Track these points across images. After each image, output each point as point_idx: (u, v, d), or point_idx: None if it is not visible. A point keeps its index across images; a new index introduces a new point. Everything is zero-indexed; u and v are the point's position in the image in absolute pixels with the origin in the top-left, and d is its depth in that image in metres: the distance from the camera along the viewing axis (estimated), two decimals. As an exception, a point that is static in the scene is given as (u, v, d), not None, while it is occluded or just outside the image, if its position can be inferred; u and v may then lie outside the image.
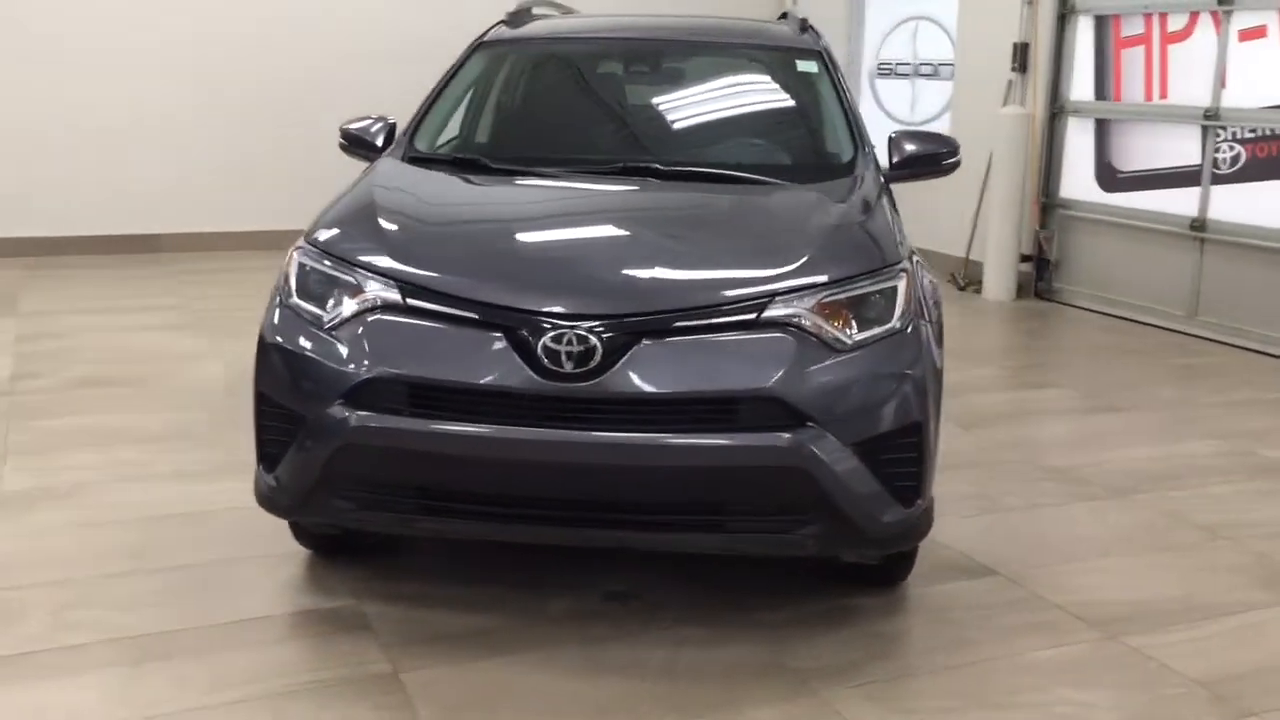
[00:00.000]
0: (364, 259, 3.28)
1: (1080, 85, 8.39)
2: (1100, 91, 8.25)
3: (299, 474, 3.18)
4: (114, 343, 6.59)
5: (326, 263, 3.31)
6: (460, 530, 3.29)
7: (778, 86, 4.63)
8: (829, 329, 3.13)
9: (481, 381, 3.02)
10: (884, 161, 4.23)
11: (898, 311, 3.24)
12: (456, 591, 3.68)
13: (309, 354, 3.16)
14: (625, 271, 3.27)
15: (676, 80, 4.65)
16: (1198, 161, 7.51)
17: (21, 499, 4.32)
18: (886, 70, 10.63)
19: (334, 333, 3.17)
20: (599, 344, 2.99)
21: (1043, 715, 3.10)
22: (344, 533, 3.60)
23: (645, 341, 3.02)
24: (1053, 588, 3.82)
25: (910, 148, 4.19)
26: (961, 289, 8.89)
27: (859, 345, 3.16)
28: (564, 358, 2.98)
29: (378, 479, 3.16)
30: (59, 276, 8.38)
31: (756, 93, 4.70)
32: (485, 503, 3.14)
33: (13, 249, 9.00)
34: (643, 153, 4.18)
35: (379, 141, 4.26)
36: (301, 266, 3.35)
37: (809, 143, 4.34)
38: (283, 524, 3.68)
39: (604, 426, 3.00)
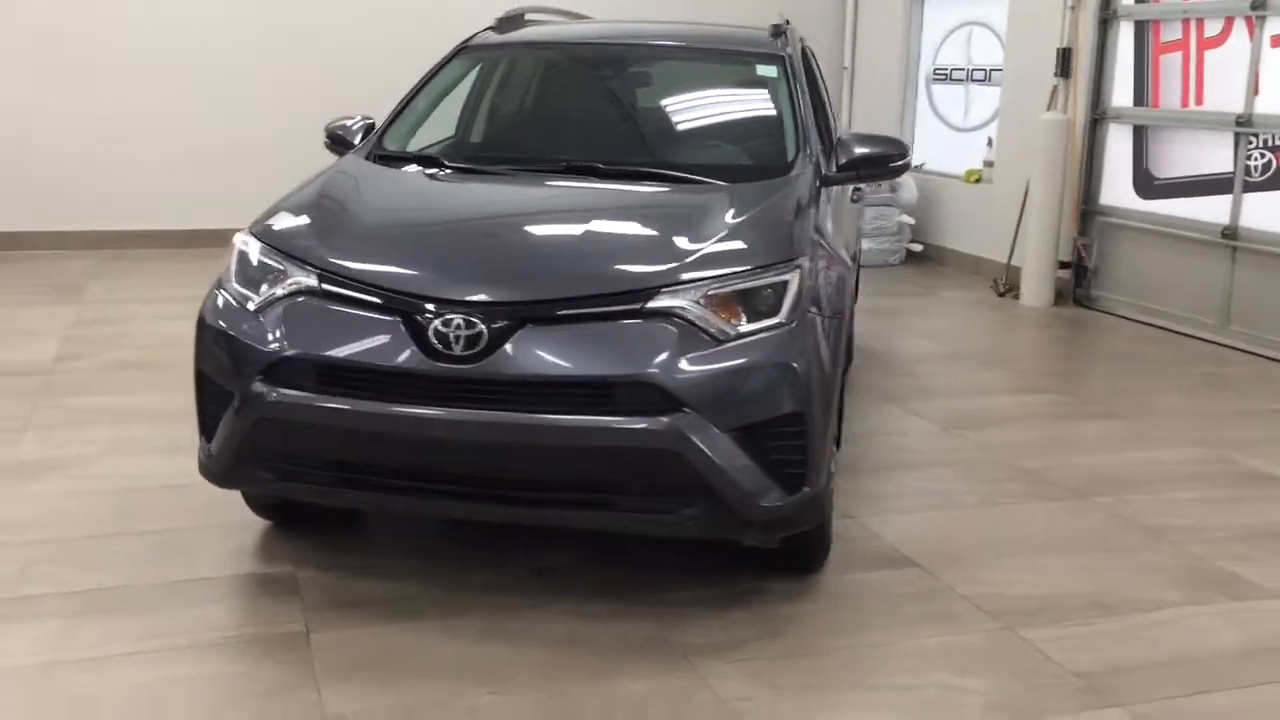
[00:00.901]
0: (292, 247, 3.55)
1: (1121, 91, 8.32)
2: (1139, 97, 8.17)
3: (226, 445, 3.46)
4: (158, 330, 6.99)
5: (261, 250, 3.58)
6: (372, 502, 3.53)
7: (734, 90, 4.79)
8: (713, 320, 3.28)
9: (380, 363, 3.25)
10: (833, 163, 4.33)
11: (787, 306, 3.38)
12: (390, 562, 3.91)
13: (236, 334, 3.43)
14: (518, 262, 3.48)
15: (641, 84, 4.84)
16: (1230, 169, 7.41)
17: (29, 468, 4.69)
18: (942, 76, 10.64)
19: (259, 315, 3.43)
20: (484, 329, 3.20)
21: (910, 697, 3.20)
22: (288, 504, 3.86)
23: (530, 327, 3.21)
24: (969, 581, 3.90)
25: (857, 150, 4.30)
26: (1001, 295, 8.86)
27: (742, 336, 3.30)
28: (452, 341, 3.20)
29: (293, 452, 3.41)
30: (129, 268, 8.89)
31: (713, 96, 4.86)
32: (391, 477, 3.36)
33: (94, 241, 9.58)
34: (593, 152, 4.37)
35: (356, 140, 4.52)
36: (241, 254, 3.62)
37: (752, 144, 4.49)
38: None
39: (490, 406, 3.20)
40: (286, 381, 3.34)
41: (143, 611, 3.54)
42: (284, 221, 3.72)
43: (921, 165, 10.70)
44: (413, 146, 4.50)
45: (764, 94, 4.61)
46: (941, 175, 10.46)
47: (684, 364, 3.22)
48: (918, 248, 10.42)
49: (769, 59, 4.70)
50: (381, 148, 4.42)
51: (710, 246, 3.49)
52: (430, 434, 3.23)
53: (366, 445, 3.32)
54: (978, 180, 9.88)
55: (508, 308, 3.24)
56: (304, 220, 3.70)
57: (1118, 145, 8.38)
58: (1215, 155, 7.54)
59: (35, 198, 9.43)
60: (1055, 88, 8.73)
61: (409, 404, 3.23)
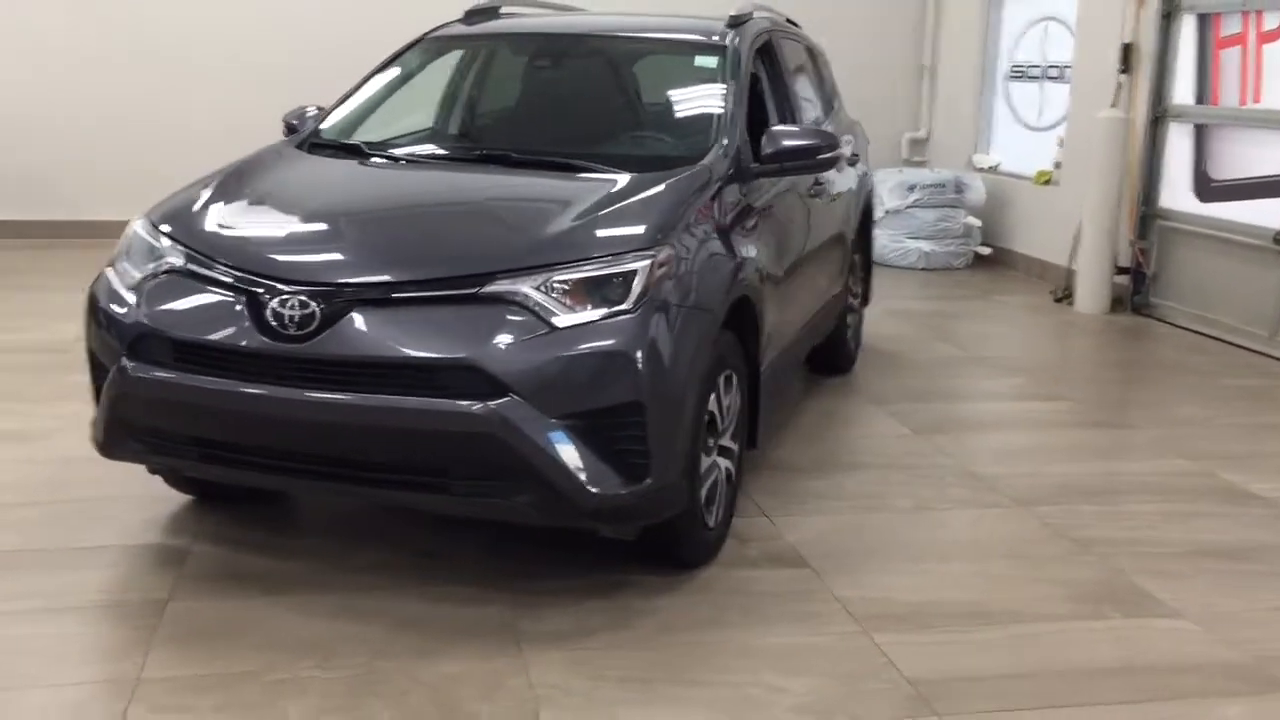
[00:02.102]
0: (171, 228, 3.67)
1: (1182, 88, 7.93)
2: (1200, 95, 7.78)
3: (101, 417, 3.61)
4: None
5: (146, 231, 3.72)
6: (230, 477, 3.63)
7: (671, 81, 4.74)
8: (553, 306, 3.28)
9: (224, 341, 3.34)
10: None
11: (633, 295, 3.34)
12: (288, 540, 4.03)
13: (109, 311, 3.58)
14: (363, 246, 3.53)
15: (582, 76, 4.86)
16: (1282, 170, 7.00)
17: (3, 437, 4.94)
18: (1019, 73, 10.31)
19: (132, 293, 3.56)
20: (317, 309, 3.26)
21: (728, 694, 3.15)
22: (204, 481, 3.97)
23: (363, 309, 3.26)
24: (853, 585, 3.80)
25: (783, 143, 4.23)
26: (1058, 301, 8.54)
27: (581, 324, 3.28)
28: (287, 321, 3.27)
29: (155, 426, 3.53)
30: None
31: (649, 87, 4.82)
32: (239, 453, 3.45)
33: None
34: (515, 142, 4.41)
35: (306, 129, 4.64)
36: (130, 234, 3.77)
37: (672, 135, 4.44)
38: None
39: (320, 386, 3.26)
40: (147, 357, 3.47)
41: (24, 572, 3.72)
42: (174, 204, 3.85)
43: (996, 166, 10.39)
44: (361, 136, 4.55)
45: (698, 86, 4.56)
46: (1014, 176, 10.13)
47: (512, 349, 3.22)
48: (986, 251, 10.12)
49: (709, 50, 4.65)
50: (318, 136, 4.51)
51: (566, 235, 3.48)
52: (268, 412, 3.31)
53: (215, 422, 3.41)
54: (1047, 182, 9.55)
55: (341, 289, 3.29)
56: (192, 203, 3.83)
57: (1178, 145, 7.99)
58: (1272, 156, 7.12)
59: (73, 187, 9.79)
60: (1119, 85, 8.38)
61: (249, 382, 3.32)
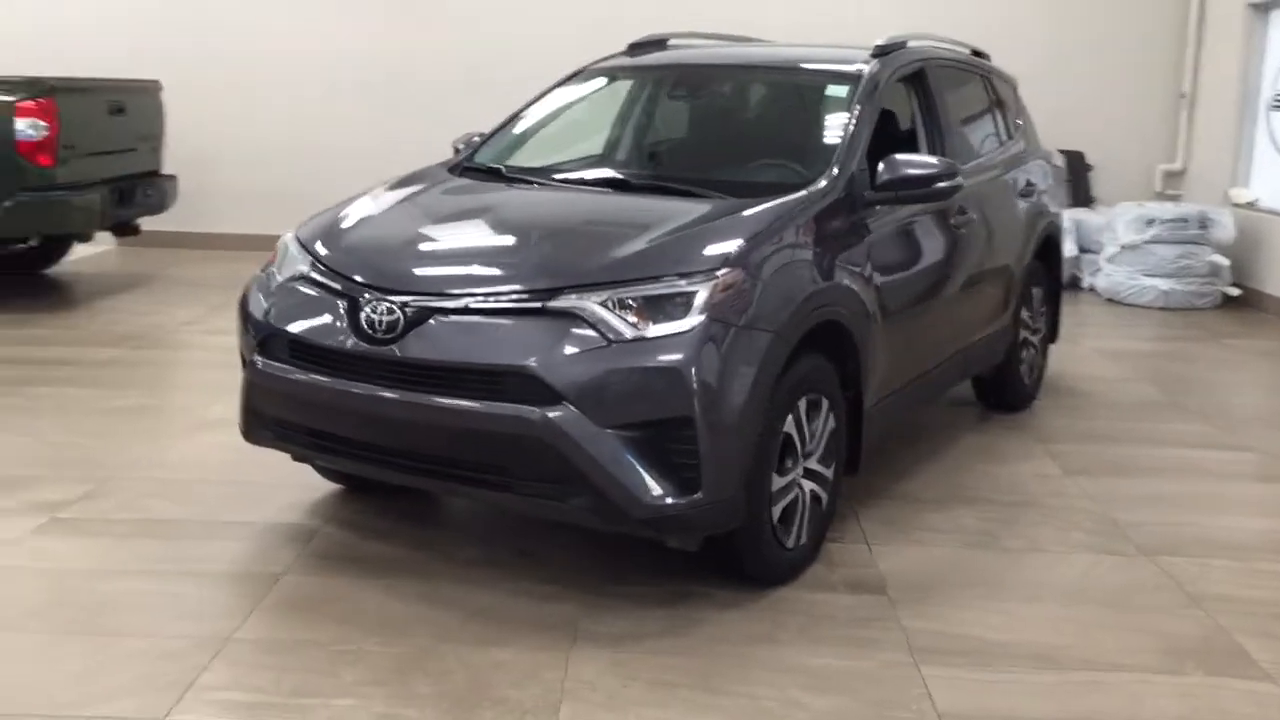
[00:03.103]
0: (308, 240, 4.10)
1: None
2: None
3: (241, 406, 4.07)
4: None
5: (293, 242, 4.16)
6: (339, 465, 4.00)
7: (799, 109, 4.83)
8: (612, 321, 3.47)
9: (326, 341, 3.72)
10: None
11: (692, 314, 3.49)
12: (409, 529, 4.37)
13: (250, 312, 4.03)
14: (450, 259, 3.82)
15: (719, 104, 5.01)
16: None
17: (213, 424, 5.52)
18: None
19: (268, 297, 4.01)
20: (401, 315, 3.58)
21: (748, 705, 3.23)
22: (333, 470, 4.38)
23: (439, 318, 3.56)
24: (925, 617, 3.78)
25: (900, 172, 4.26)
26: (1300, 346, 7.97)
27: (639, 340, 3.46)
28: (376, 325, 3.61)
29: (277, 415, 3.95)
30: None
31: (778, 115, 4.92)
32: (341, 442, 3.82)
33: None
34: (640, 167, 4.63)
35: (464, 153, 5.04)
36: (282, 245, 4.22)
37: (789, 161, 4.52)
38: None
39: (400, 386, 3.58)
40: (271, 353, 3.89)
41: (174, 540, 4.22)
42: (316, 218, 4.28)
43: (1255, 202, 9.76)
44: (508, 160, 4.89)
45: (825, 114, 4.63)
46: (1272, 213, 9.48)
47: (569, 360, 3.43)
48: (1235, 292, 9.52)
49: (841, 79, 4.71)
50: (471, 160, 4.88)
51: (638, 255, 3.66)
52: (358, 407, 3.66)
53: (320, 413, 3.79)
54: (1301, 219, 8.90)
55: (423, 297, 3.60)
56: (330, 217, 4.25)
57: None
58: None
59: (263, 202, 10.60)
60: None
61: (345, 379, 3.67)
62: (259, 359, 3.92)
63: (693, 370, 3.44)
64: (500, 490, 3.63)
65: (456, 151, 5.15)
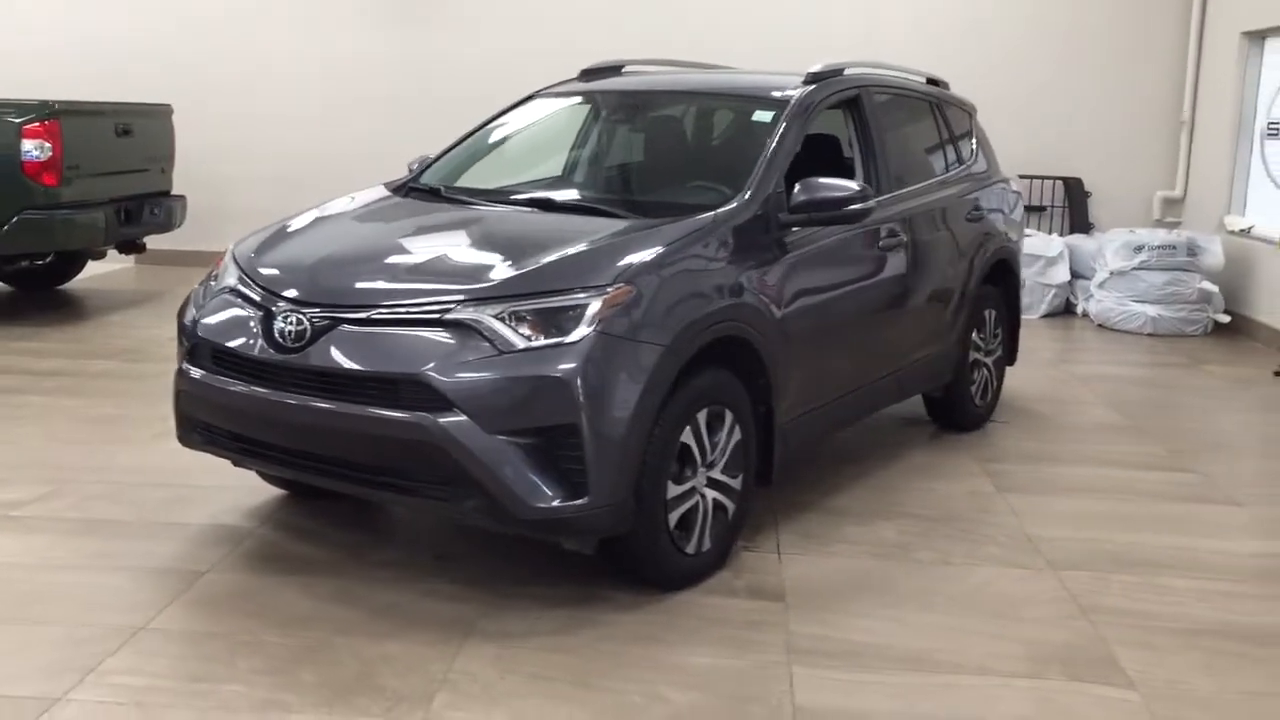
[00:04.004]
0: (240, 255, 4.33)
1: None
2: None
3: (174, 411, 4.29)
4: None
5: (230, 257, 4.40)
6: (262, 468, 4.21)
7: (726, 134, 5.00)
8: (503, 333, 3.65)
9: (241, 349, 3.94)
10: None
11: (582, 326, 3.67)
12: (336, 533, 4.57)
13: (183, 321, 4.27)
14: (360, 272, 4.01)
15: (652, 129, 5.20)
16: None
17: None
18: (1275, 130, 9.68)
19: (198, 307, 4.24)
20: (309, 326, 3.79)
21: (613, 700, 3.39)
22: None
23: (344, 328, 3.77)
24: (814, 623, 3.91)
25: (813, 194, 4.42)
26: (1278, 374, 7.98)
27: (528, 350, 3.64)
28: (285, 334, 3.82)
29: (205, 420, 4.17)
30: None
31: (705, 139, 5.10)
32: (260, 446, 4.02)
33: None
34: (566, 188, 4.81)
35: (412, 173, 5.26)
36: (221, 259, 4.46)
37: (704, 184, 4.69)
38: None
39: (307, 393, 3.78)
40: (197, 361, 4.11)
41: (113, 539, 4.45)
42: (253, 234, 4.51)
43: (1249, 229, 9.78)
44: (451, 180, 5.11)
45: (749, 138, 4.79)
46: (1266, 241, 9.49)
47: (460, 369, 3.62)
48: (1225, 319, 9.53)
49: (768, 105, 4.88)
50: (417, 180, 5.10)
51: (535, 270, 3.85)
52: (271, 413, 3.86)
53: (239, 418, 4.00)
54: (1289, 248, 8.92)
55: (329, 308, 3.81)
56: (265, 233, 4.48)
57: None
58: None
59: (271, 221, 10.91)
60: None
61: (258, 386, 3.88)
62: (187, 366, 4.14)
63: (578, 380, 3.61)
64: (403, 493, 3.82)
65: (409, 171, 5.37)
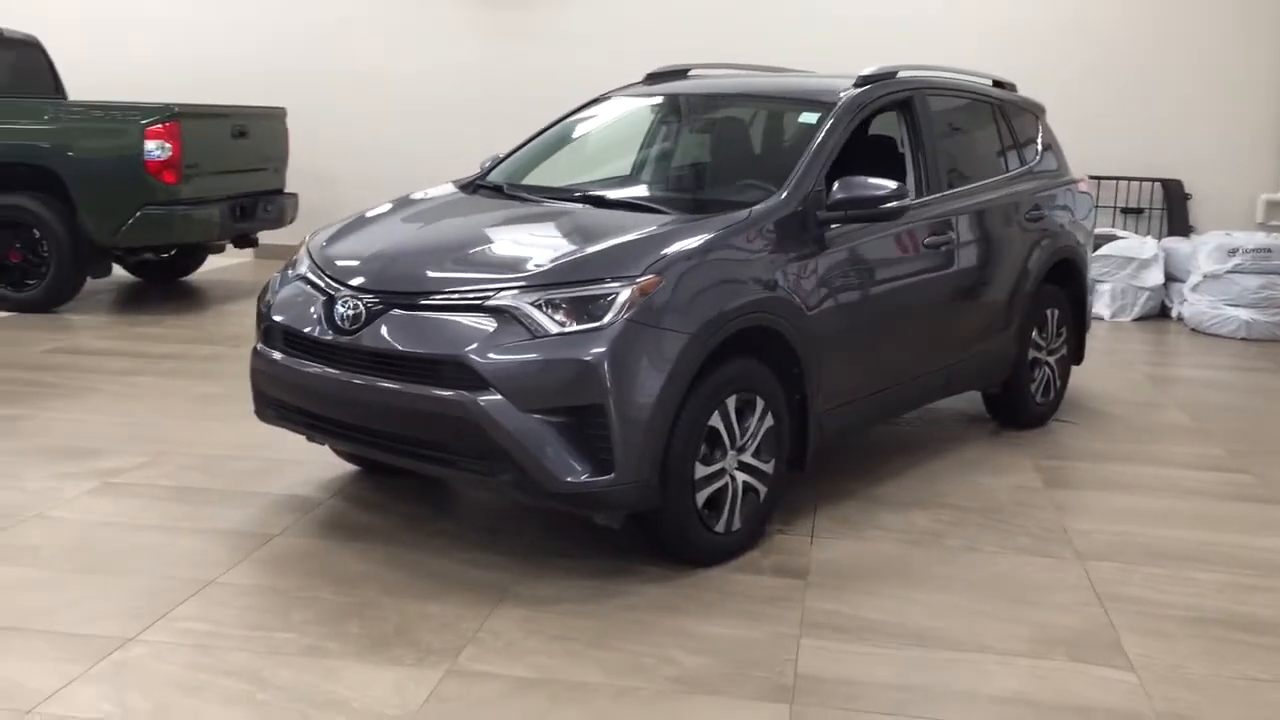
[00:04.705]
0: (311, 243, 4.71)
1: None
2: None
3: (251, 388, 4.70)
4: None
5: (306, 247, 4.78)
6: (325, 442, 4.57)
7: (778, 134, 5.21)
8: (538, 318, 3.95)
9: (306, 330, 4.30)
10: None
11: (611, 314, 3.94)
12: (395, 504, 4.90)
13: (260, 305, 4.66)
14: (413, 261, 4.34)
15: (706, 131, 5.45)
16: None
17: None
18: (1380, 134, 9.47)
19: (276, 291, 4.63)
20: (363, 310, 4.14)
21: (626, 660, 3.63)
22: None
23: (395, 312, 4.11)
24: (830, 599, 4.11)
25: (849, 192, 4.62)
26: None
27: (561, 335, 3.93)
28: (343, 318, 4.18)
29: (278, 397, 4.55)
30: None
31: (756, 139, 5.32)
32: (323, 421, 4.39)
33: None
34: (619, 186, 5.10)
35: (481, 170, 5.61)
36: (301, 248, 4.84)
37: (748, 182, 4.91)
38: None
39: (360, 372, 4.13)
40: (270, 341, 4.50)
41: (197, 504, 4.86)
42: (333, 226, 4.89)
43: (1354, 234, 9.59)
44: (517, 178, 5.43)
45: (795, 139, 5.01)
46: (1366, 245, 9.32)
47: (497, 351, 3.92)
48: (1327, 325, 9.37)
49: (815, 106, 5.08)
50: (483, 177, 5.44)
51: (572, 260, 4.13)
52: (329, 390, 4.22)
53: (303, 394, 4.37)
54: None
55: (382, 295, 4.15)
56: (339, 224, 4.85)
57: None
58: None
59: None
60: None
61: (320, 364, 4.24)
62: (261, 346, 4.53)
63: (605, 364, 3.88)
64: (444, 465, 4.14)
65: (481, 169, 5.71)
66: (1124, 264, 10.10)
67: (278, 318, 4.47)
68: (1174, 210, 10.97)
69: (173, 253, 10.29)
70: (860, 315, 4.86)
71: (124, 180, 8.64)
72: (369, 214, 4.97)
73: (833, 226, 4.73)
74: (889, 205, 4.62)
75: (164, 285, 10.48)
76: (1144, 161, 11.00)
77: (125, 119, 8.70)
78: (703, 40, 10.88)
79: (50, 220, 8.73)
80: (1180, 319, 9.96)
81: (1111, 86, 10.90)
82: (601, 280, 4.02)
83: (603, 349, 3.88)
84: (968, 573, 4.41)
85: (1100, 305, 10.08)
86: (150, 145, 8.60)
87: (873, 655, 3.72)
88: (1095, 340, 8.99)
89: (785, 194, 4.62)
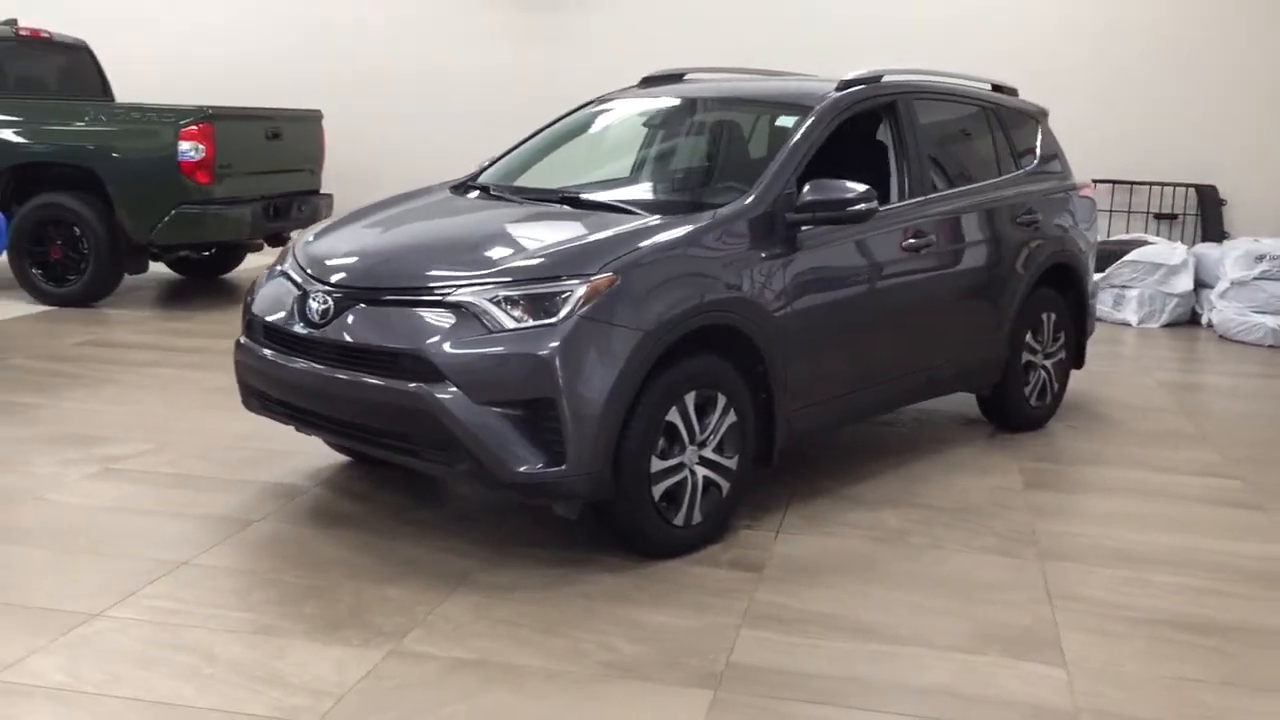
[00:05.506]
0: (297, 241, 4.89)
1: None
2: None
3: (236, 379, 4.89)
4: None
5: (292, 244, 4.96)
6: (301, 431, 4.73)
7: (755, 138, 5.30)
8: (495, 314, 4.08)
9: (280, 323, 4.48)
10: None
11: (565, 310, 4.06)
12: (377, 493, 5.06)
13: (247, 299, 4.85)
14: (380, 258, 4.49)
15: (689, 132, 5.54)
16: None
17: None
18: None
19: (261, 287, 4.82)
20: (332, 304, 4.30)
21: (567, 645, 3.74)
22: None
23: (361, 306, 4.26)
24: (780, 592, 4.19)
25: (816, 195, 4.70)
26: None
27: (516, 331, 4.06)
28: (314, 311, 4.34)
29: (259, 388, 4.73)
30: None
31: (734, 142, 5.41)
32: (297, 410, 4.56)
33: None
34: (596, 187, 5.23)
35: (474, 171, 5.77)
36: (287, 245, 5.03)
37: (719, 184, 5.02)
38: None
39: (328, 364, 4.29)
40: (250, 334, 4.68)
41: (187, 490, 5.06)
42: (321, 224, 5.07)
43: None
44: (505, 179, 5.57)
45: (769, 141, 5.10)
46: (1400, 253, 9.16)
47: (454, 345, 4.06)
48: (1358, 332, 9.23)
49: (792, 110, 5.16)
50: (474, 178, 5.59)
51: (530, 258, 4.27)
52: (300, 381, 4.39)
53: (279, 385, 4.54)
54: None
55: (350, 290, 4.31)
56: (329, 223, 5.03)
57: None
58: None
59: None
60: None
61: (293, 357, 4.41)
62: (243, 339, 4.71)
63: (557, 359, 4.00)
64: (407, 454, 4.28)
65: (479, 168, 5.86)
66: (1152, 270, 10.02)
67: (258, 311, 4.65)
68: (1208, 216, 10.86)
69: (212, 251, 10.58)
70: (832, 316, 4.93)
71: (159, 180, 8.92)
72: (355, 212, 5.14)
73: (804, 228, 4.79)
74: (857, 208, 4.69)
75: (204, 282, 10.78)
76: (1178, 166, 10.91)
77: (161, 121, 8.99)
78: (733, 43, 10.97)
79: (90, 218, 9.04)
80: (1210, 326, 9.86)
81: (1148, 91, 10.83)
82: (558, 278, 4.14)
83: (555, 344, 4.00)
84: (923, 570, 4.47)
85: (1128, 311, 10.01)
86: (184, 146, 8.88)
87: (808, 647, 3.79)
88: (1115, 346, 8.98)
89: (754, 196, 4.70)
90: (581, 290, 4.08)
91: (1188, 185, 10.91)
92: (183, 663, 3.56)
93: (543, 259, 4.26)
